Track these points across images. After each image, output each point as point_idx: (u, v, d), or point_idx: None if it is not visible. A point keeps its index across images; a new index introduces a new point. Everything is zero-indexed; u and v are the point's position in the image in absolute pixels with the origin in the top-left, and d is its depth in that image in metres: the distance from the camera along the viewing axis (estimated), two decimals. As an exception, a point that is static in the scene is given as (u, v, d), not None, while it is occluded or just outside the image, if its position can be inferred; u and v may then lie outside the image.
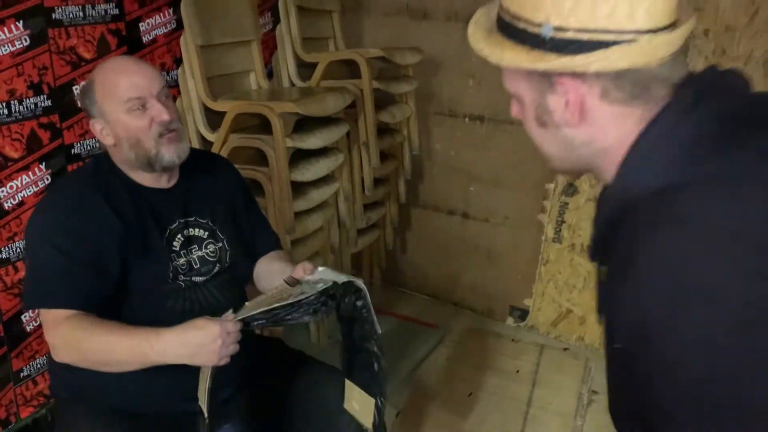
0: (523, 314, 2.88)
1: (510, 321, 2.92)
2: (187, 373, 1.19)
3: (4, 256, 1.79)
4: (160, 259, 1.32)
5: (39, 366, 1.94)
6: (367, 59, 2.28)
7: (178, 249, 1.36)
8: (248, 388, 1.47)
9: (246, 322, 1.19)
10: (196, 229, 1.41)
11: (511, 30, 0.74)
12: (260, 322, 1.21)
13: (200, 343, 1.14)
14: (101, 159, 1.37)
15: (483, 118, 2.75)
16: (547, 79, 0.74)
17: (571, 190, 2.63)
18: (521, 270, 2.84)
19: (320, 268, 1.34)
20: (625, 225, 0.71)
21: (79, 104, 1.37)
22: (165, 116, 1.29)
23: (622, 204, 0.73)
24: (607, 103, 0.73)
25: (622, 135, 0.74)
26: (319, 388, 1.49)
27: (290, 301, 1.20)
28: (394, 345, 2.63)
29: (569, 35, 0.69)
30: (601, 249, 0.79)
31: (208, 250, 1.41)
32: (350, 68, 2.41)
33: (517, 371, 2.57)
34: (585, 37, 0.69)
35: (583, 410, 2.35)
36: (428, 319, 2.89)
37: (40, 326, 1.90)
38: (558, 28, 0.69)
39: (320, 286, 1.26)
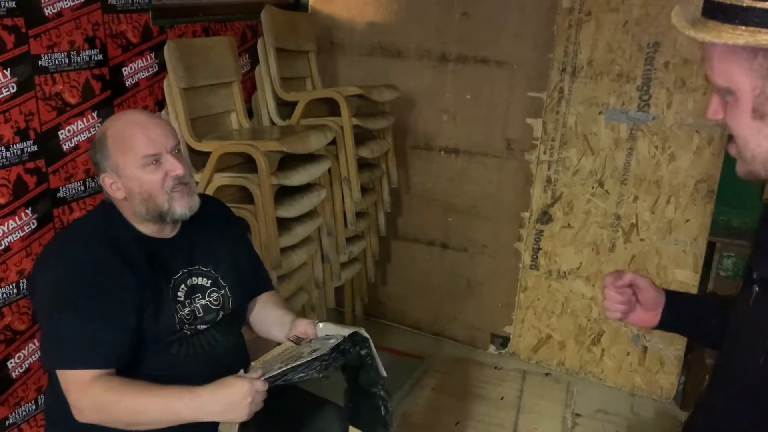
0: (504, 341, 2.93)
1: (492, 349, 2.96)
2: (205, 426, 1.22)
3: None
4: (167, 310, 1.32)
5: (25, 413, 1.91)
6: (346, 97, 2.35)
7: (182, 299, 1.37)
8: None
9: (268, 382, 1.23)
10: (200, 278, 1.42)
11: (732, 12, 0.69)
12: (278, 382, 1.25)
13: (233, 400, 1.18)
14: (109, 210, 1.36)
15: (458, 151, 2.84)
16: None
17: (545, 218, 2.72)
18: (501, 298, 2.90)
19: (320, 324, 1.41)
20: None
21: (90, 158, 1.37)
22: (179, 171, 1.31)
23: None
24: None
25: None
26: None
27: (307, 359, 1.25)
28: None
29: None
30: None
31: (211, 299, 1.42)
32: (329, 106, 2.47)
33: (502, 398, 2.61)
34: None
35: (569, 433, 2.40)
36: (411, 350, 2.92)
37: (26, 372, 1.88)
38: None
39: (332, 342, 1.32)
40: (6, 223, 1.79)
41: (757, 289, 0.81)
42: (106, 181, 1.32)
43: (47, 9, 1.81)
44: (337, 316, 2.84)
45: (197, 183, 2.09)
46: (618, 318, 1.10)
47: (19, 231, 1.82)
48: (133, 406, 1.20)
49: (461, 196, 2.87)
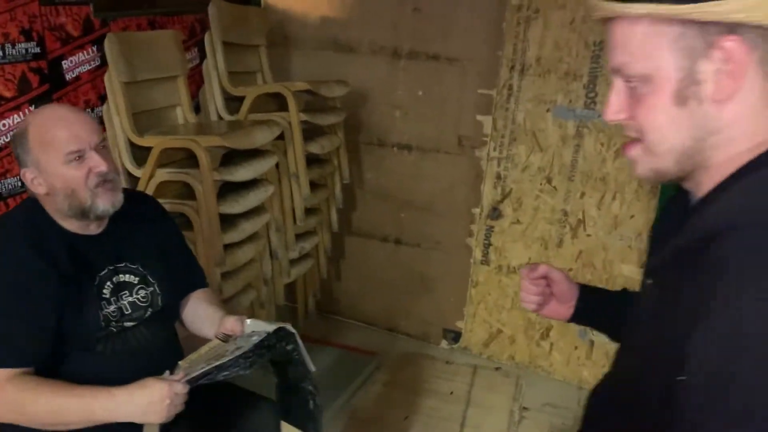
0: (456, 336, 2.95)
1: (444, 344, 2.99)
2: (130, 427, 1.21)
3: None
4: (90, 308, 1.31)
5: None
6: (294, 92, 2.34)
7: (108, 296, 1.35)
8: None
9: (189, 382, 1.23)
10: (127, 275, 1.40)
11: None
12: (202, 381, 1.24)
13: (150, 401, 1.17)
14: (31, 207, 1.34)
15: (411, 147, 2.84)
16: (705, 39, 0.65)
17: (495, 213, 2.74)
18: (453, 293, 2.92)
19: (248, 321, 1.40)
20: (710, 257, 0.64)
21: (13, 151, 1.33)
22: (103, 168, 1.29)
23: (713, 229, 0.66)
24: (761, 76, 0.66)
25: (753, 128, 0.68)
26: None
27: (230, 357, 1.25)
28: (331, 374, 2.65)
29: None
30: (668, 269, 0.74)
31: (139, 296, 1.41)
32: (278, 101, 2.45)
33: (451, 392, 2.63)
34: None
35: (515, 427, 2.43)
36: (365, 346, 2.93)
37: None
38: None
39: (255, 339, 1.32)
40: (-65, 220, 1.75)
41: (649, 280, 0.81)
42: (27, 176, 1.30)
43: (-22, 0, 1.77)
44: (289, 313, 2.83)
45: (139, 179, 2.07)
46: (533, 309, 1.11)
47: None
48: (49, 406, 1.19)
49: (414, 192, 2.88)
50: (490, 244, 2.78)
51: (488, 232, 2.77)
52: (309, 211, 2.61)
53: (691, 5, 0.63)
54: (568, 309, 1.11)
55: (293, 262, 2.60)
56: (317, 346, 2.81)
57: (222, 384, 1.60)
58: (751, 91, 0.67)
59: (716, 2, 0.62)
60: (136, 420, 1.19)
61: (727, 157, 0.70)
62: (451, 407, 2.53)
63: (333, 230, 2.85)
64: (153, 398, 1.17)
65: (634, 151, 0.77)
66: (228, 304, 2.23)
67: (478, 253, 2.81)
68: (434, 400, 2.57)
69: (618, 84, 0.75)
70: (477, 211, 2.78)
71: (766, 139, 0.69)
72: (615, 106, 0.75)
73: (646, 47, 0.69)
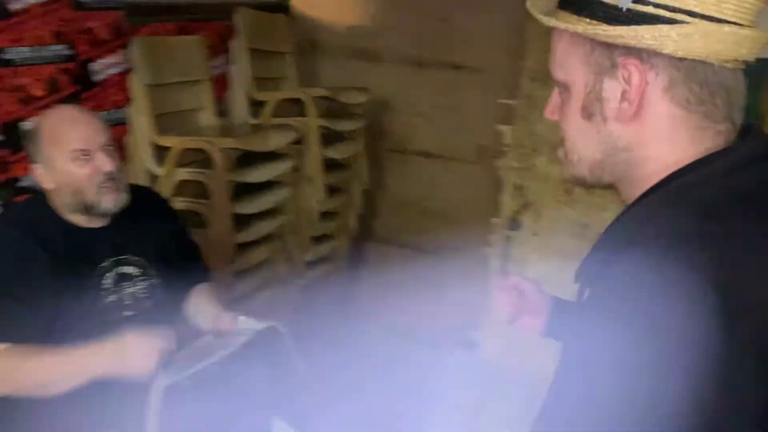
0: (472, 346, 2.93)
1: (460, 353, 2.97)
2: (122, 394, 1.26)
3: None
4: (90, 297, 1.36)
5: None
6: (315, 98, 2.39)
7: (109, 287, 1.41)
8: None
9: (176, 383, 1.27)
10: (129, 267, 1.45)
11: (580, 4, 0.68)
12: (189, 381, 1.29)
13: (130, 351, 1.22)
14: (39, 199, 1.42)
15: (431, 155, 2.86)
16: (610, 58, 0.67)
17: (514, 225, 2.72)
18: (470, 304, 2.91)
19: (242, 318, 1.44)
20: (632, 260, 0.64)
21: (24, 147, 1.42)
22: (109, 167, 1.35)
23: (639, 235, 0.65)
24: (667, 100, 0.67)
25: (668, 149, 0.68)
26: None
27: (216, 358, 1.32)
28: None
29: (649, 9, 0.63)
30: (594, 274, 0.73)
31: (139, 287, 1.46)
32: (300, 107, 2.51)
33: (460, 402, 2.62)
34: (666, 14, 0.63)
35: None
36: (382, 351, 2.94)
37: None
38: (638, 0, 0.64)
39: (242, 339, 1.38)
40: (-34, 210, 1.87)
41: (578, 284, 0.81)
42: (38, 172, 1.37)
43: (13, 4, 1.89)
44: (306, 314, 2.87)
45: (159, 177, 2.15)
46: (506, 320, 1.09)
47: (-22, 217, 1.89)
48: (37, 364, 1.25)
49: (433, 200, 2.89)
50: (508, 255, 2.76)
51: (507, 242, 2.76)
52: (327, 216, 2.66)
53: (601, 26, 0.66)
54: (542, 323, 1.07)
55: (310, 265, 2.65)
56: (332, 347, 2.84)
57: (216, 376, 1.66)
58: (655, 115, 0.67)
59: (618, 27, 0.64)
60: (120, 371, 1.23)
61: (644, 174, 0.70)
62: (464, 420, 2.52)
63: (352, 235, 2.88)
64: (133, 348, 1.22)
65: (560, 153, 0.78)
66: (242, 302, 2.29)
67: (496, 263, 2.80)
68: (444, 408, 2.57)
69: (556, 87, 0.77)
70: (496, 221, 2.76)
71: (676, 161, 0.68)
72: (551, 106, 0.77)
73: (566, 59, 0.71)
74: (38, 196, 1.43)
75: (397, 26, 2.82)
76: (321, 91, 2.40)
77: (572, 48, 0.70)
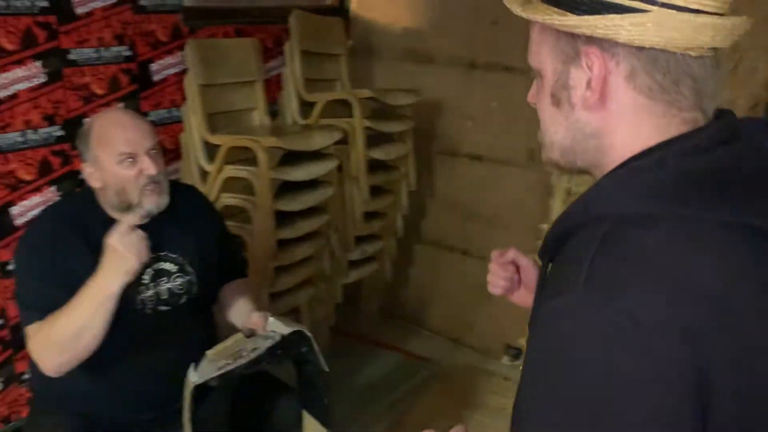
0: (517, 353, 2.88)
1: (505, 359, 2.93)
2: (154, 382, 1.36)
3: (12, 267, 1.99)
4: (127, 290, 1.39)
5: (38, 370, 2.12)
6: (361, 99, 2.43)
7: (147, 282, 1.48)
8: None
9: (205, 382, 1.35)
10: (166, 263, 1.52)
11: None
12: (222, 377, 1.37)
13: (116, 255, 1.30)
14: (87, 194, 1.50)
15: (481, 158, 2.84)
16: (573, 47, 0.69)
17: (563, 231, 2.66)
18: (516, 309, 2.85)
19: (271, 319, 1.50)
20: (581, 239, 0.68)
21: (76, 147, 1.52)
22: (152, 170, 1.42)
23: (588, 215, 0.68)
24: (631, 89, 0.67)
25: (633, 137, 0.69)
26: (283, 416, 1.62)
27: (247, 359, 1.40)
28: (384, 376, 2.71)
29: None
30: (551, 250, 0.78)
31: (176, 283, 1.53)
32: (349, 108, 2.55)
33: (504, 409, 2.58)
34: (626, 3, 0.63)
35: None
36: (423, 353, 2.94)
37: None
38: None
39: (269, 343, 1.44)
40: (31, 198, 2.01)
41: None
42: (86, 170, 1.46)
43: (78, 8, 2.02)
44: (349, 313, 2.91)
45: (208, 174, 2.24)
46: (498, 293, 1.10)
47: (43, 205, 2.02)
48: (64, 321, 1.32)
49: (483, 204, 2.87)
50: (556, 262, 2.71)
51: (555, 249, 2.70)
52: (373, 216, 2.68)
53: (565, 16, 0.67)
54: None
55: (355, 264, 2.68)
56: (375, 349, 2.87)
57: (270, 381, 1.71)
58: (619, 103, 0.69)
59: (576, 16, 0.66)
60: (123, 275, 1.31)
61: (612, 161, 0.71)
62: (500, 424, 2.46)
63: (398, 236, 2.90)
64: (123, 248, 1.29)
65: (539, 137, 0.80)
66: (283, 298, 2.36)
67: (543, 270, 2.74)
68: (484, 415, 2.54)
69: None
70: (544, 226, 2.71)
71: (642, 149, 0.69)
72: (531, 90, 0.80)
73: (537, 47, 0.74)
74: (88, 190, 1.50)
75: (449, 29, 2.82)
76: (367, 93, 2.44)
77: (542, 37, 0.73)
